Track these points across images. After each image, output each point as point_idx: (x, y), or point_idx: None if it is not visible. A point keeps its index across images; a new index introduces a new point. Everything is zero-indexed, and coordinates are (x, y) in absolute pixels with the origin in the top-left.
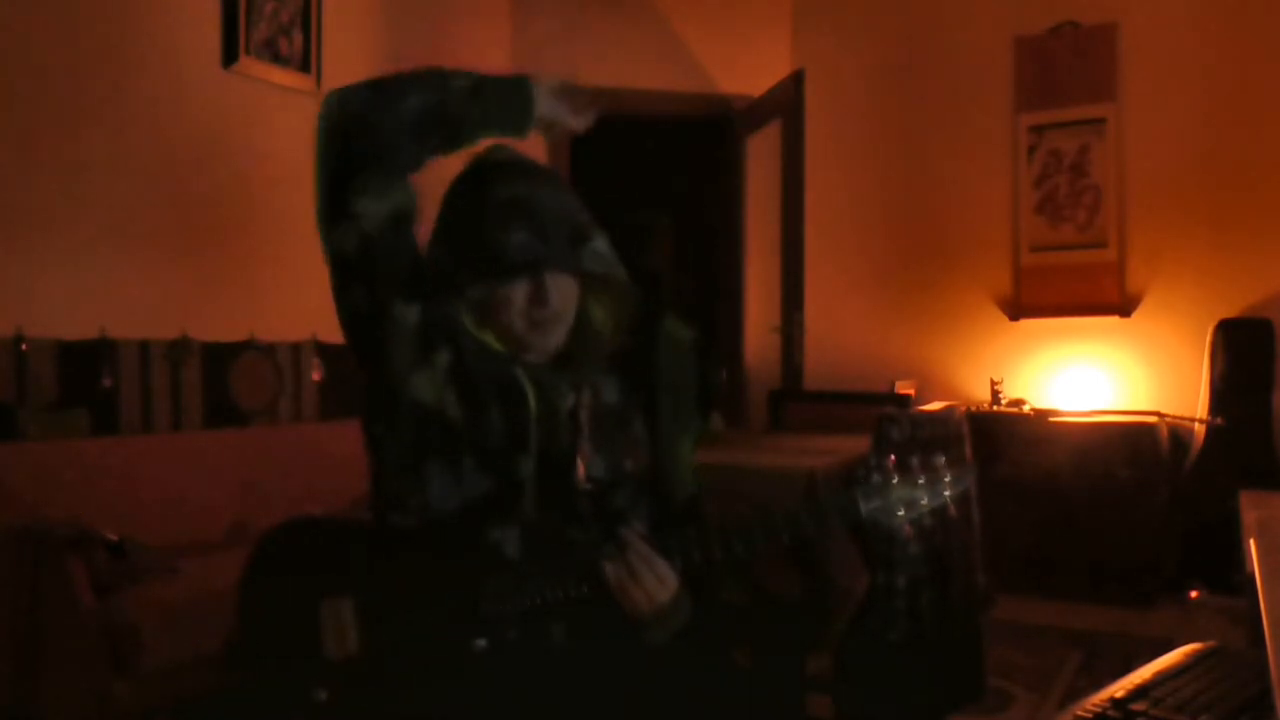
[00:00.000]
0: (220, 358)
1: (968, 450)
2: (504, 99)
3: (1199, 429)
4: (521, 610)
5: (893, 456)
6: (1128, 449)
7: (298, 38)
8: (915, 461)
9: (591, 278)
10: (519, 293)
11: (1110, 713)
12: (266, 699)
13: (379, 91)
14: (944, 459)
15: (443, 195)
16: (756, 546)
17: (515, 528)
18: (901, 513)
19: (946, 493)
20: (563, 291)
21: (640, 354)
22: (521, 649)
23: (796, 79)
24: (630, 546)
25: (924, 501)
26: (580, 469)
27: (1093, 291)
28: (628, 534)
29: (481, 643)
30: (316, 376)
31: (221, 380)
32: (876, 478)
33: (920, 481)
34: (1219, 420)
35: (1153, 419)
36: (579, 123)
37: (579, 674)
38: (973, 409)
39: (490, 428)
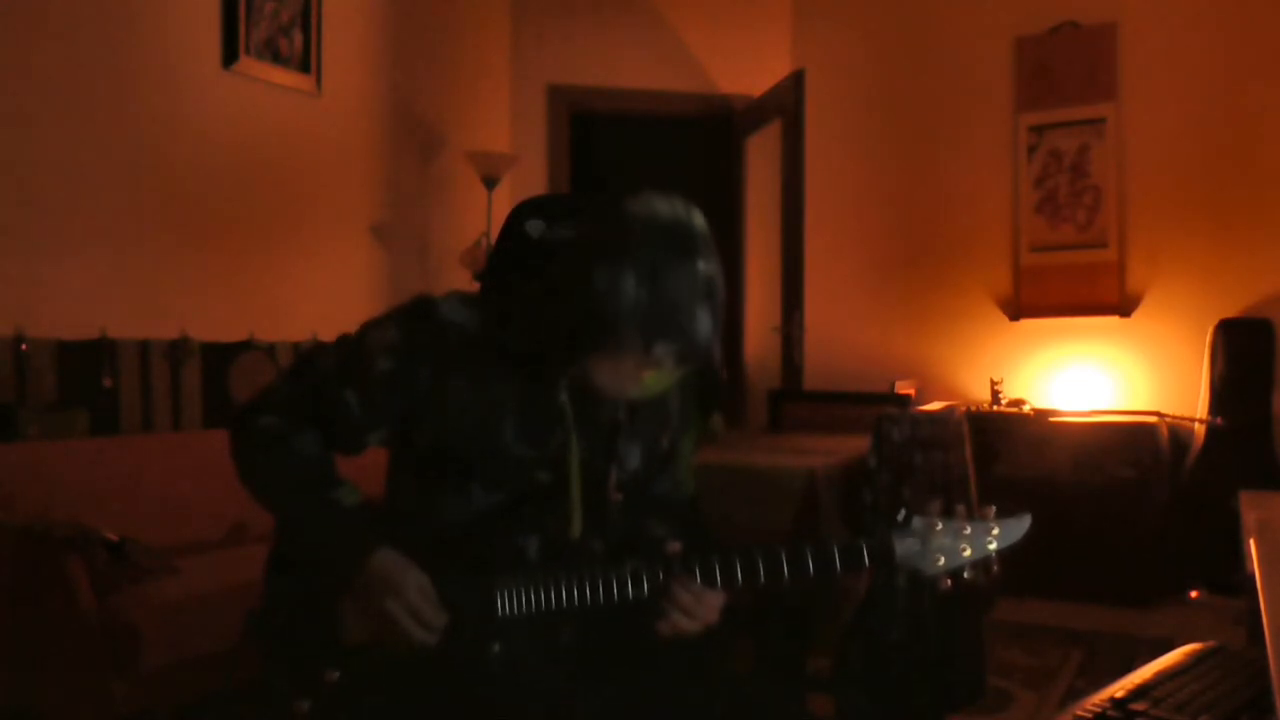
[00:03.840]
0: (220, 358)
1: (968, 450)
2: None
3: (1199, 429)
4: (536, 618)
5: (938, 504)
6: (1128, 449)
7: (298, 38)
8: (961, 508)
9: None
10: (644, 359)
11: (1110, 713)
12: (278, 677)
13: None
14: (993, 509)
15: (630, 226)
16: (780, 579)
17: (540, 536)
18: (941, 562)
19: (993, 546)
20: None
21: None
22: (534, 655)
23: (796, 79)
24: (678, 587)
25: (967, 553)
26: (611, 479)
27: (1093, 291)
28: (671, 574)
29: (495, 647)
30: None
31: (221, 380)
32: (918, 523)
33: (966, 531)
34: (1219, 420)
35: (1153, 419)
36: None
37: (586, 676)
38: (973, 409)
39: (525, 445)
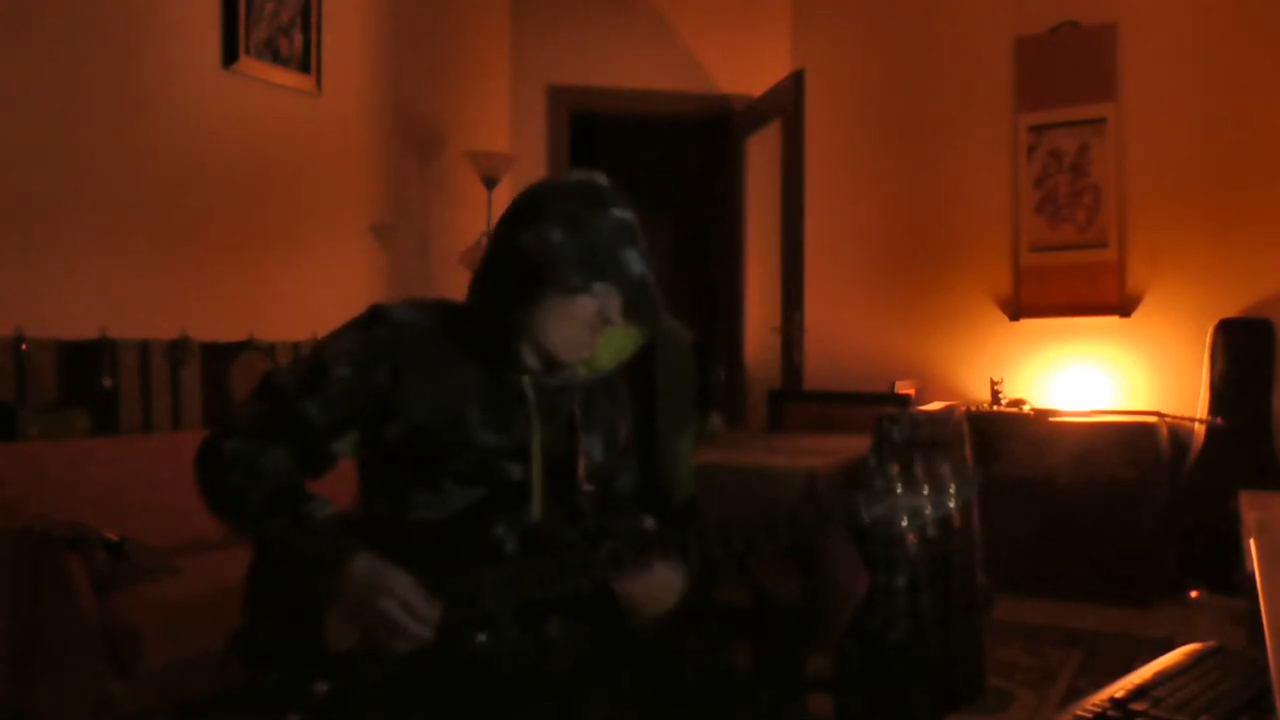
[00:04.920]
0: (220, 358)
1: (968, 451)
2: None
3: (1199, 429)
4: (520, 606)
5: (897, 465)
6: (1128, 449)
7: (298, 38)
8: (920, 468)
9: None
10: (597, 305)
11: (1110, 713)
12: (267, 691)
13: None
14: (949, 466)
15: (541, 195)
16: (757, 547)
17: (516, 527)
18: (905, 521)
19: (951, 503)
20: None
21: (641, 355)
22: (520, 645)
23: (796, 79)
24: (637, 562)
25: (928, 510)
26: (581, 470)
27: (1093, 291)
28: (631, 548)
29: (481, 638)
30: None
31: (221, 380)
32: (880, 483)
33: (925, 490)
34: (1219, 420)
35: (1153, 419)
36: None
37: (576, 671)
38: (973, 409)
39: (492, 433)
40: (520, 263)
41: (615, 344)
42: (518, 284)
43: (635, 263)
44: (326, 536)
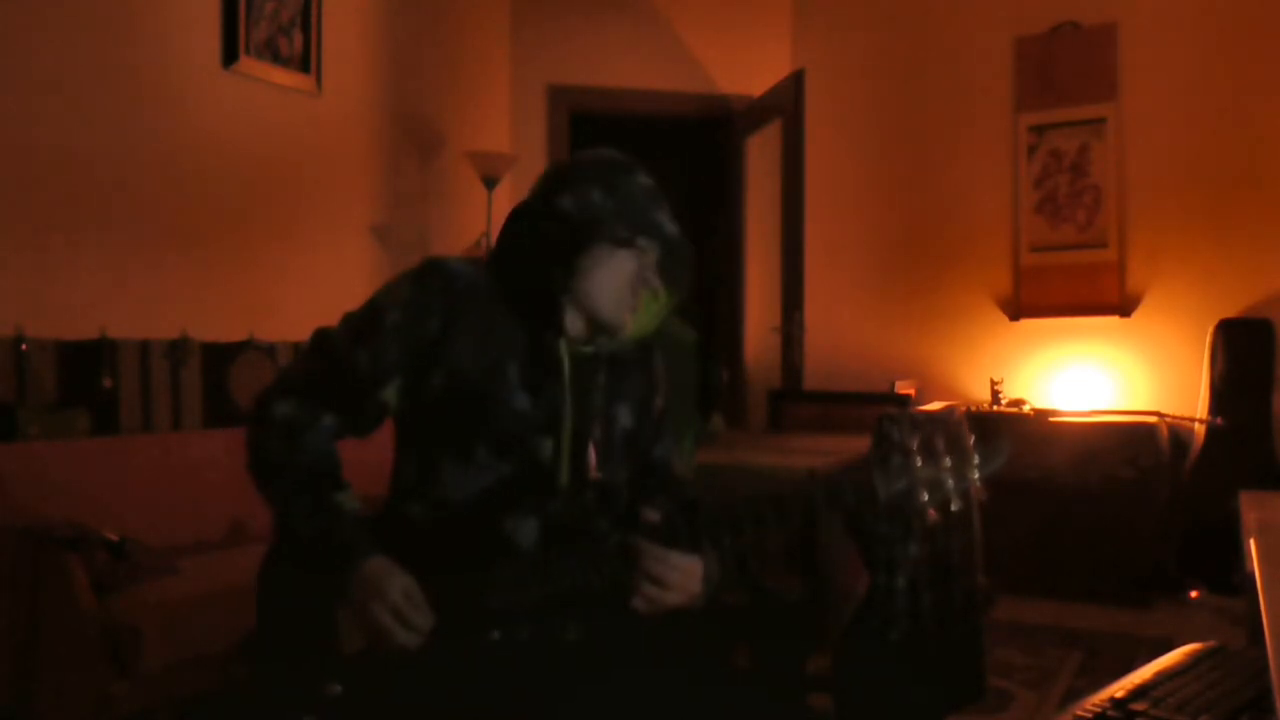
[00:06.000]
0: (220, 358)
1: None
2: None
3: (1199, 429)
4: (534, 603)
5: (916, 439)
6: (1128, 449)
7: (298, 38)
8: (940, 443)
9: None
10: (637, 262)
11: (1110, 713)
12: (280, 693)
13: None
14: (971, 440)
15: (570, 165)
16: (767, 529)
17: (533, 517)
18: (926, 496)
19: (975, 474)
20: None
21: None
22: (533, 642)
23: (796, 79)
24: (645, 557)
25: (950, 483)
26: (592, 456)
27: (1093, 291)
28: (638, 545)
29: (495, 634)
30: None
31: (221, 380)
32: (898, 460)
33: (947, 464)
34: (1219, 420)
35: (1153, 419)
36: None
37: (586, 670)
38: (973, 409)
39: (526, 396)
40: (562, 224)
41: (648, 310)
42: (560, 244)
43: (669, 223)
44: (348, 533)
